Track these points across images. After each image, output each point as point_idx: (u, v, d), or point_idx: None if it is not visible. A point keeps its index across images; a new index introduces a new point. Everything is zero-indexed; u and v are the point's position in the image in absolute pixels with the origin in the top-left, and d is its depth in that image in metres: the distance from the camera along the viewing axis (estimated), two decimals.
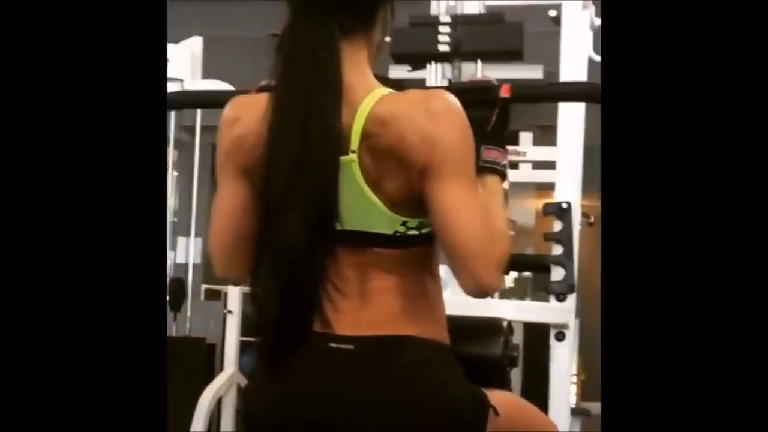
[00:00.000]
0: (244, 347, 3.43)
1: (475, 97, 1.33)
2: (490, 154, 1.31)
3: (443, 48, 2.44)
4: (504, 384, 1.43)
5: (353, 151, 1.19)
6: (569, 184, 2.11)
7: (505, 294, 4.84)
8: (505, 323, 1.44)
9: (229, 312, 3.32)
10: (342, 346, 1.22)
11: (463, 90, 1.32)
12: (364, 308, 1.23)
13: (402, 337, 1.23)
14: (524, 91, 1.38)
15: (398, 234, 1.22)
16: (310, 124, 1.16)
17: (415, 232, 1.23)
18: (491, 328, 1.43)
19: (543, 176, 3.36)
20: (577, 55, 2.25)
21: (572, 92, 1.63)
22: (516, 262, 2.83)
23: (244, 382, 3.32)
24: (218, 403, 3.24)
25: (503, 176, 1.32)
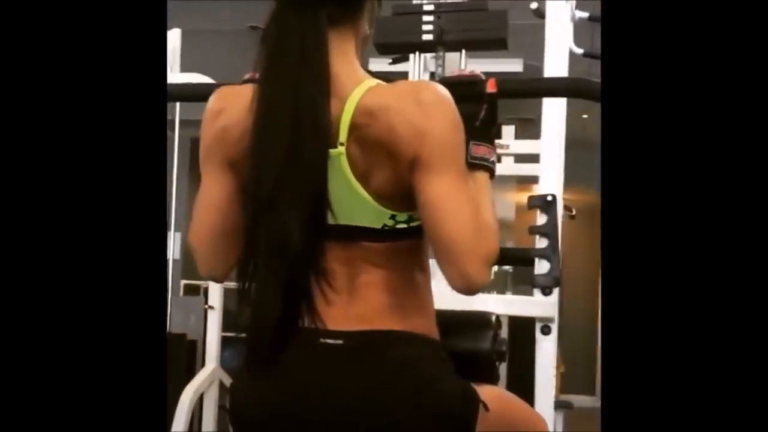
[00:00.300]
0: (225, 343, 3.41)
1: (463, 92, 1.30)
2: (479, 150, 1.29)
3: (427, 37, 2.42)
4: (493, 378, 1.42)
5: (341, 144, 1.17)
6: (553, 177, 2.11)
7: (485, 287, 4.83)
8: (493, 317, 1.44)
9: (210, 308, 3.30)
10: (331, 341, 1.20)
11: (450, 84, 1.30)
12: (352, 303, 1.22)
13: (391, 332, 1.22)
14: (510, 86, 1.36)
15: (387, 228, 1.21)
16: (301, 117, 1.14)
17: (404, 226, 1.22)
18: (480, 322, 1.42)
19: (525, 169, 3.36)
20: (560, 47, 2.25)
21: (558, 87, 1.62)
22: (499, 256, 2.83)
23: (225, 378, 3.30)
24: (200, 400, 3.22)
25: (492, 173, 1.31)
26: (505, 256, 2.82)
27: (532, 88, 1.58)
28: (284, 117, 1.14)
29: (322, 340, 1.21)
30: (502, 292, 5.68)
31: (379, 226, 1.21)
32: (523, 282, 5.62)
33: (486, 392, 1.27)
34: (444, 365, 1.25)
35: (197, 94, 1.55)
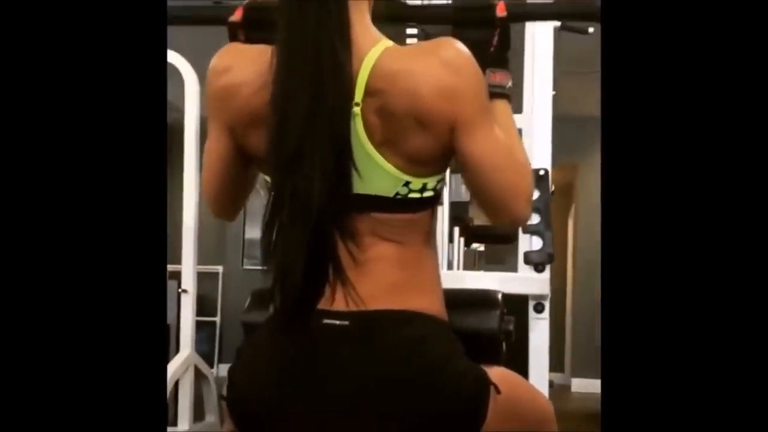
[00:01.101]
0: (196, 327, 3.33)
1: (474, 18, 1.30)
2: (495, 77, 1.28)
3: (411, 41, 2.37)
4: (499, 359, 1.37)
5: (357, 104, 1.13)
6: (542, 151, 2.06)
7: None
8: (499, 295, 1.38)
9: (184, 291, 3.22)
10: (337, 322, 1.15)
11: (463, 9, 1.30)
12: (359, 280, 1.15)
13: (400, 311, 1.17)
14: (518, 11, 1.33)
15: (399, 197, 1.17)
16: (322, 70, 1.09)
17: (417, 195, 1.18)
18: (486, 300, 1.37)
19: None
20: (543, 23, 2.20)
21: (569, 12, 1.56)
22: (481, 234, 2.79)
23: (201, 363, 3.22)
24: (175, 387, 3.14)
25: (509, 99, 1.30)
26: (487, 234, 2.78)
27: (542, 11, 1.51)
28: (305, 70, 1.09)
29: (326, 321, 1.15)
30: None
31: (391, 194, 1.16)
32: (494, 262, 5.60)
33: (494, 373, 1.23)
34: (454, 346, 1.20)
35: (198, 17, 1.46)
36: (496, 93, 1.27)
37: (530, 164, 1.24)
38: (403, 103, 1.12)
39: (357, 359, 1.14)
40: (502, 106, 1.28)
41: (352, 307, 1.14)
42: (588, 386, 6.47)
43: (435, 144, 1.15)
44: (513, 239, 2.28)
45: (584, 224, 7.20)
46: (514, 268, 2.15)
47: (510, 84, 1.30)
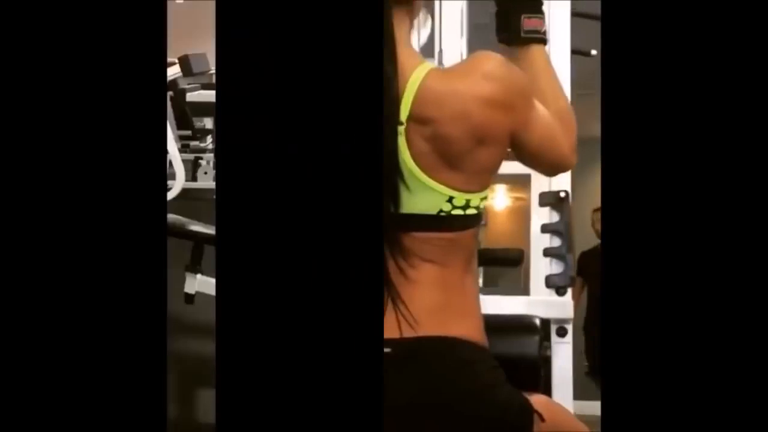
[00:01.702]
0: None
1: None
2: (530, 23, 1.28)
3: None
4: (539, 385, 1.34)
5: (401, 124, 1.12)
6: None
7: None
8: (537, 321, 1.35)
9: None
10: None
11: None
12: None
13: (442, 338, 1.14)
14: None
15: (442, 214, 1.15)
16: None
17: (460, 212, 1.16)
18: (525, 326, 1.34)
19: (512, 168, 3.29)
20: (562, 45, 2.18)
21: None
22: (487, 258, 2.75)
23: None
24: None
25: (545, 43, 1.30)
26: (494, 258, 2.74)
27: None
28: None
29: None
30: None
31: (434, 211, 1.15)
32: (488, 284, 5.56)
33: (536, 401, 1.21)
34: (496, 373, 1.18)
35: None
36: (531, 38, 1.28)
37: (571, 107, 1.26)
38: (459, 128, 1.12)
39: (399, 386, 1.11)
40: (537, 51, 1.28)
41: (393, 334, 1.11)
42: (572, 406, 6.45)
43: (499, 153, 1.16)
44: (519, 263, 2.26)
45: None
46: (507, 291, 2.13)
47: (545, 29, 1.31)
